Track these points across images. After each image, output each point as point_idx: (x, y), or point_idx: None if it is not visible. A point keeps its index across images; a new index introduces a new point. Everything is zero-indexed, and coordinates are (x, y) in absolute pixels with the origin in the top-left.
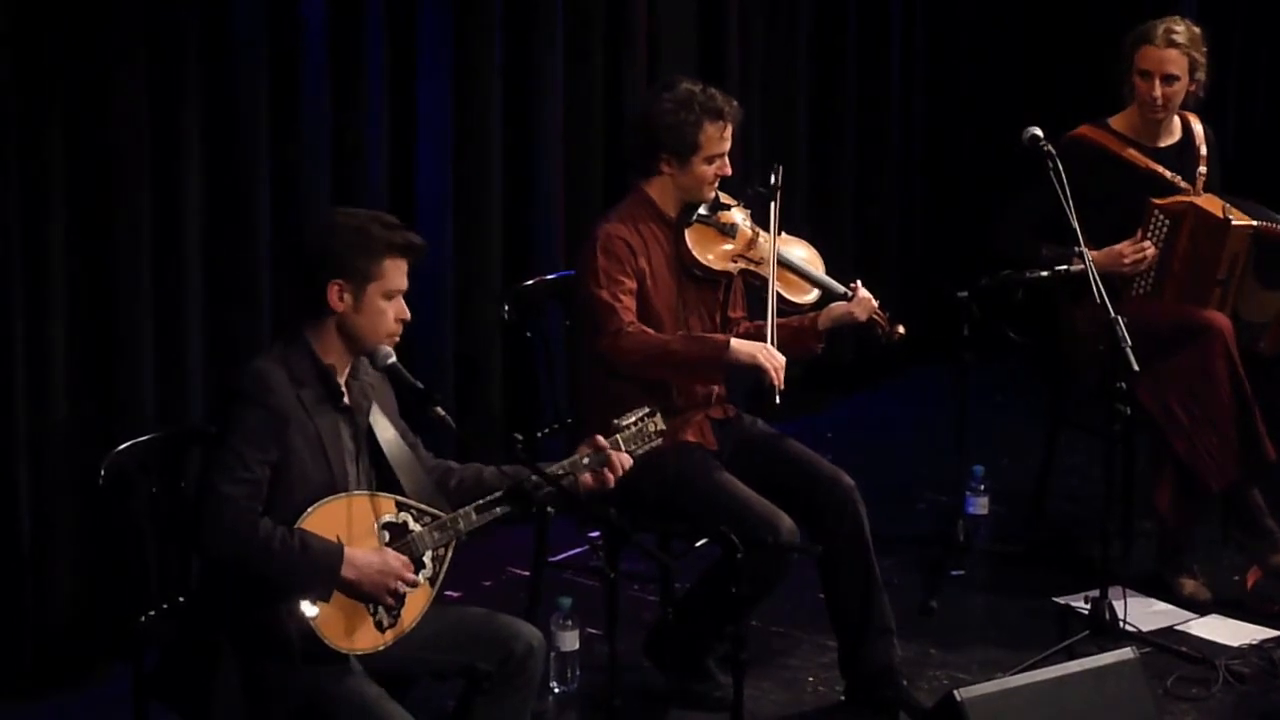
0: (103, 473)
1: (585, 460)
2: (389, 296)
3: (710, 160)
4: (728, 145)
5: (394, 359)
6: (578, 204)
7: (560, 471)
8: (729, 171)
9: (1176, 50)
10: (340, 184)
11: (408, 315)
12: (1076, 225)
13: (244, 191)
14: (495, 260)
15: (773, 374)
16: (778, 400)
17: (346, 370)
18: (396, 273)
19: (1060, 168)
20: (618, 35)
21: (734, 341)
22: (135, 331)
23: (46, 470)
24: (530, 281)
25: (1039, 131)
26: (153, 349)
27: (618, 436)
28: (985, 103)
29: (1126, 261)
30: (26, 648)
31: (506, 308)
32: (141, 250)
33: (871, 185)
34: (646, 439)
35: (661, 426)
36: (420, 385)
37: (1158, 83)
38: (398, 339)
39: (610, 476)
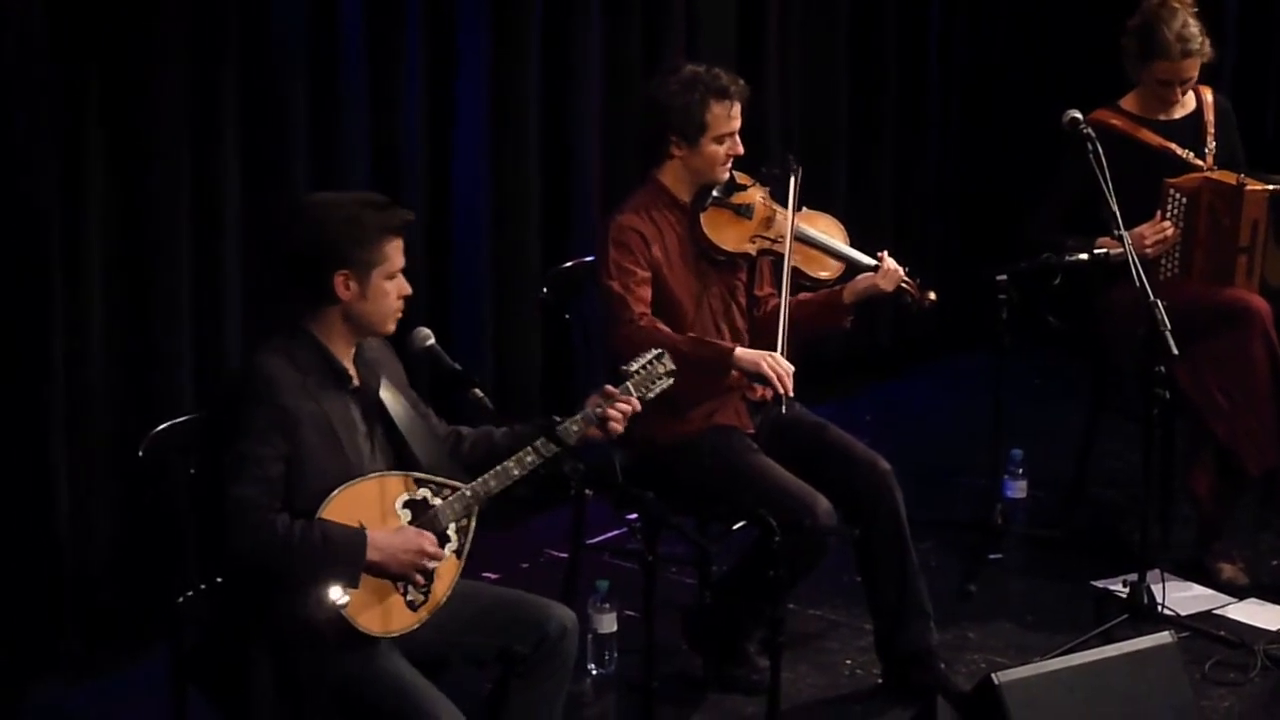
0: (141, 454)
1: (595, 410)
2: (391, 277)
3: (720, 140)
4: (737, 124)
5: (433, 340)
6: (615, 186)
7: (575, 428)
8: (740, 151)
9: (1192, 58)
10: (378, 164)
11: (408, 290)
12: (1115, 207)
13: (282, 169)
14: (533, 242)
15: (776, 383)
16: (784, 409)
17: (352, 351)
18: (395, 253)
19: (1099, 150)
20: (656, 17)
21: (739, 350)
22: (173, 311)
23: (84, 451)
24: (568, 263)
25: (1078, 114)
26: (191, 328)
27: (628, 383)
28: (1025, 86)
29: (1148, 243)
30: (66, 628)
31: (545, 289)
32: (180, 231)
33: (910, 169)
34: (656, 380)
35: (670, 366)
36: (458, 367)
37: (1177, 88)
38: (401, 314)
39: (615, 425)
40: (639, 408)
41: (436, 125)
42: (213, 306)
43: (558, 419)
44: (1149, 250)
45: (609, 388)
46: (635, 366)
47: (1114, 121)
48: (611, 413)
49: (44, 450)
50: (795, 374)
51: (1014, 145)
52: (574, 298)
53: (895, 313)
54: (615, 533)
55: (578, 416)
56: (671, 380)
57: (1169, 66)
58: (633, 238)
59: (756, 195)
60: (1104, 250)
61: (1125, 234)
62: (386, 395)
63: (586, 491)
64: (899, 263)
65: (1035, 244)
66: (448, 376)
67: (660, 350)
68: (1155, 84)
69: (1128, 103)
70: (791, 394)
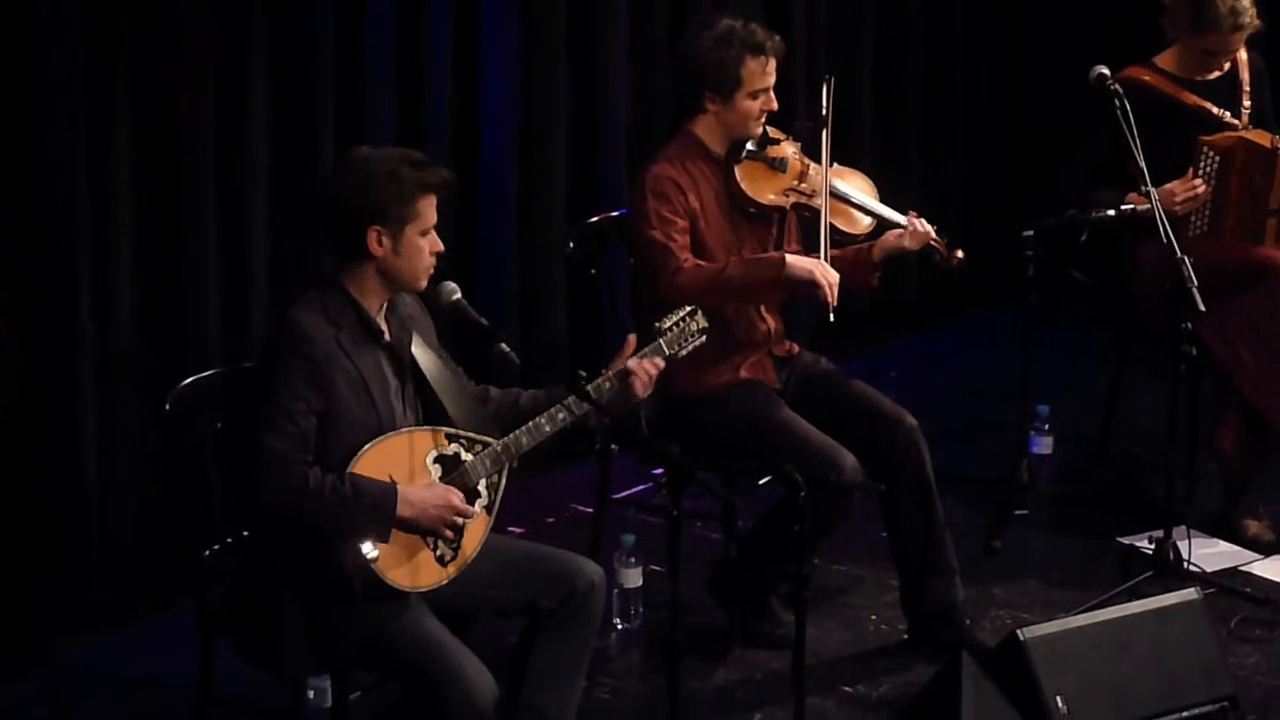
0: (167, 407)
1: (620, 373)
2: (424, 234)
3: (754, 95)
4: (771, 80)
5: (459, 294)
6: (642, 141)
7: (607, 385)
8: (775, 106)
9: (1243, 31)
10: (405, 118)
11: (441, 248)
12: (1144, 164)
13: (309, 122)
14: (560, 197)
15: (827, 289)
16: (832, 317)
17: (384, 307)
18: (429, 210)
19: (1127, 107)
20: None
21: (790, 258)
22: (200, 263)
23: (111, 405)
24: (595, 218)
25: (1105, 70)
26: (218, 282)
27: (660, 340)
28: (1053, 42)
29: (1178, 199)
30: (93, 582)
31: (571, 244)
32: (207, 187)
33: (938, 127)
34: (689, 338)
35: (704, 324)
36: (485, 322)
37: (1223, 58)
38: (433, 271)
39: (638, 386)
40: (660, 366)
41: (463, 82)
42: (240, 261)
43: (583, 374)
44: (1178, 207)
45: (632, 339)
46: (669, 323)
47: (1149, 79)
48: (639, 373)
49: (72, 405)
50: (839, 284)
51: (1044, 99)
52: (600, 253)
53: (921, 269)
54: (641, 488)
55: (609, 374)
56: (704, 338)
57: (1219, 39)
58: (670, 187)
59: (789, 149)
60: (1131, 206)
61: (1153, 191)
62: (419, 351)
63: (612, 446)
64: (928, 221)
65: (1064, 200)
66: (474, 331)
67: (693, 308)
68: (1200, 51)
69: (1164, 60)
70: (837, 303)
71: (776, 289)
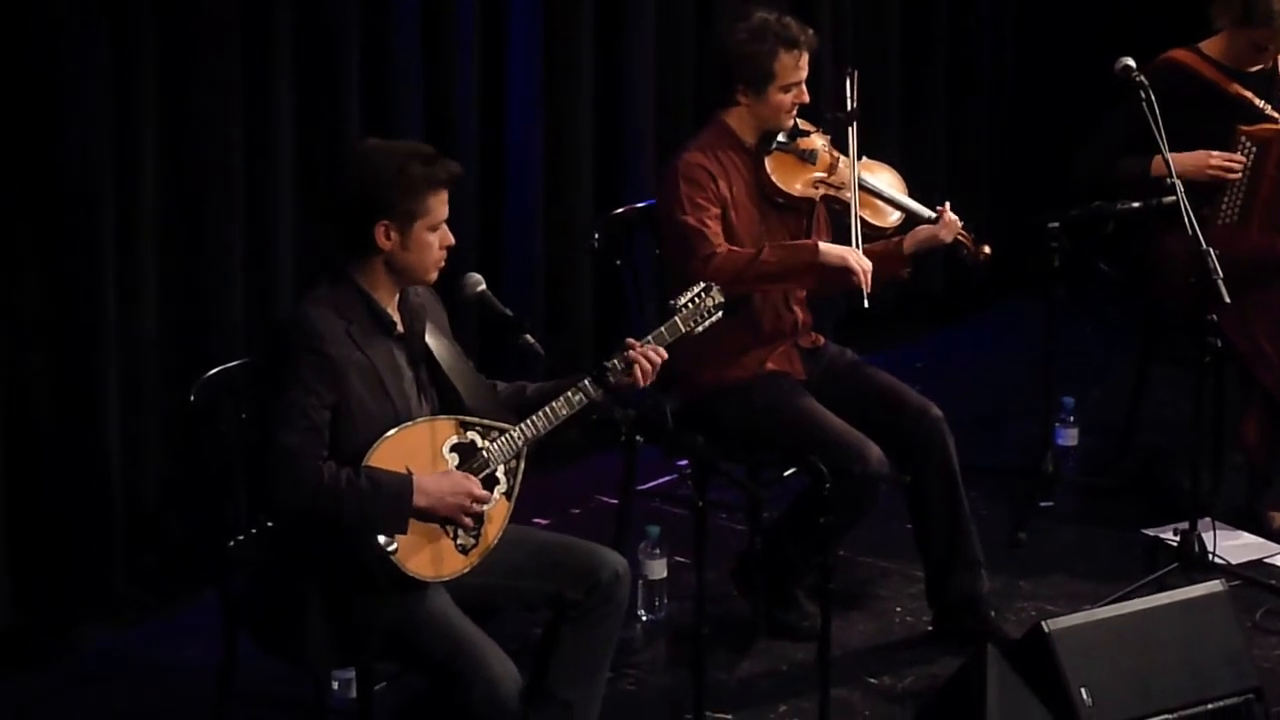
0: (192, 398)
1: (618, 360)
2: (434, 229)
3: (786, 89)
4: (804, 73)
5: (484, 286)
6: (668, 132)
7: (620, 365)
8: (806, 99)
9: None
10: (431, 110)
11: (452, 241)
12: (1169, 156)
13: (335, 114)
14: (586, 188)
15: (861, 275)
16: (866, 304)
17: (396, 298)
18: (440, 205)
19: (1153, 99)
20: None
21: (823, 245)
22: (225, 255)
23: (136, 395)
24: (620, 210)
25: (1131, 62)
26: (242, 273)
27: (676, 317)
28: (1077, 31)
29: (1213, 163)
30: (117, 572)
31: (596, 236)
32: (233, 177)
33: (962, 116)
34: (705, 314)
35: (720, 299)
36: (510, 313)
37: (1271, 56)
38: (444, 265)
39: (640, 375)
40: (664, 356)
41: (490, 72)
42: (264, 252)
43: (607, 365)
44: (1210, 171)
45: (630, 341)
46: (684, 300)
47: (1193, 62)
48: (638, 374)
49: (97, 395)
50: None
51: (1069, 88)
52: (626, 244)
53: (948, 261)
54: (666, 479)
55: (615, 359)
56: (721, 314)
57: (1268, 34)
58: (702, 174)
59: (819, 141)
60: (1155, 199)
61: (1178, 183)
62: (432, 340)
63: (637, 438)
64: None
65: (1088, 170)
66: (499, 322)
67: (709, 284)
68: (1248, 44)
69: (1209, 47)
70: (870, 288)
71: (810, 275)
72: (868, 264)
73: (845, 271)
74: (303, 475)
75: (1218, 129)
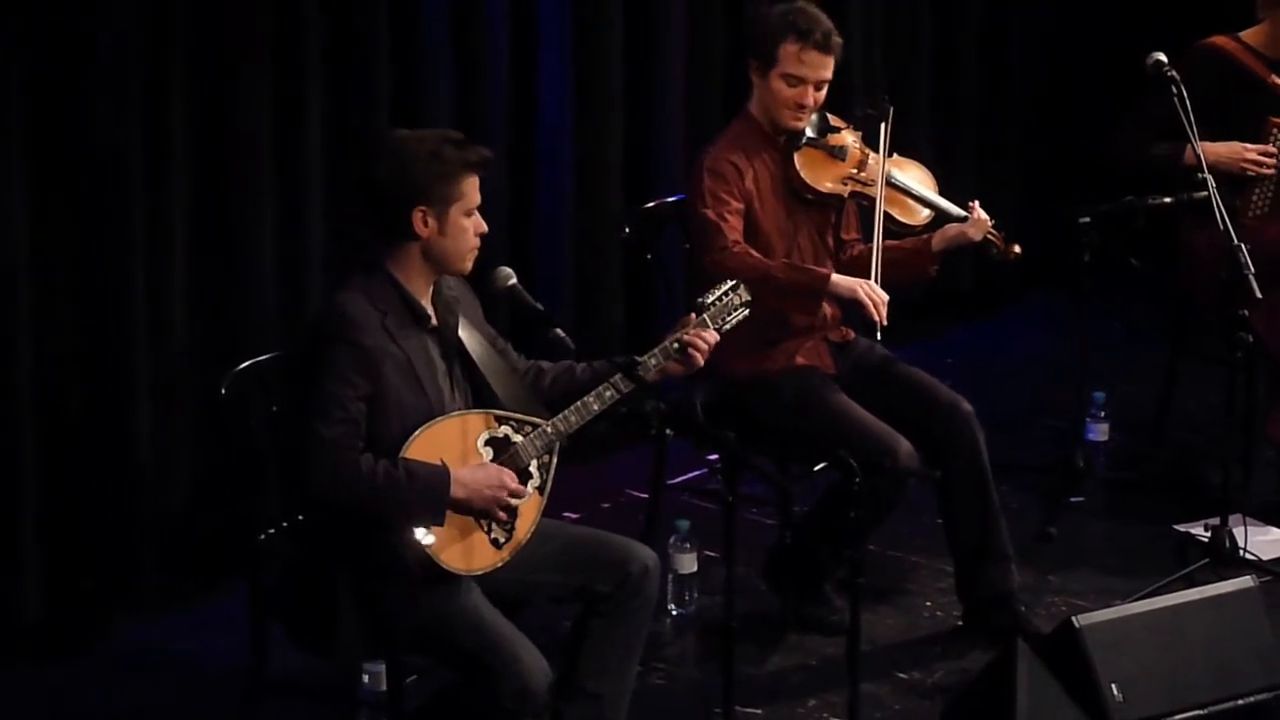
0: (223, 391)
1: (673, 344)
2: (469, 214)
3: (788, 81)
4: (808, 71)
5: (514, 280)
6: (698, 125)
7: (654, 362)
8: (809, 101)
9: None
10: (462, 104)
11: (485, 228)
12: (1200, 150)
13: (365, 106)
14: (616, 182)
15: (873, 310)
16: (879, 336)
17: (430, 290)
18: (473, 190)
19: (1184, 93)
20: None
21: (835, 275)
22: (256, 247)
23: (167, 388)
24: (650, 203)
25: (1163, 56)
26: (274, 265)
27: (704, 315)
28: (1109, 28)
29: (1248, 157)
30: (148, 564)
31: (627, 229)
32: (263, 168)
33: (993, 110)
34: (731, 311)
35: (747, 297)
36: (540, 306)
37: None
38: (477, 253)
39: (696, 356)
40: (715, 339)
41: (520, 65)
42: (296, 244)
43: (638, 358)
44: (1245, 164)
45: (691, 317)
46: (711, 298)
47: (1232, 50)
48: (696, 343)
49: (127, 388)
50: (889, 304)
51: (1100, 83)
52: (656, 238)
53: (979, 261)
54: (696, 473)
55: (655, 351)
56: (747, 311)
57: None
58: (728, 168)
59: (849, 138)
60: (1186, 194)
61: (1210, 177)
62: (465, 334)
63: (667, 432)
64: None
65: (1123, 153)
66: (529, 316)
67: (736, 281)
68: None
69: (1250, 36)
70: (885, 323)
71: (814, 302)
72: (881, 296)
73: (855, 304)
74: (340, 467)
75: (1253, 118)
